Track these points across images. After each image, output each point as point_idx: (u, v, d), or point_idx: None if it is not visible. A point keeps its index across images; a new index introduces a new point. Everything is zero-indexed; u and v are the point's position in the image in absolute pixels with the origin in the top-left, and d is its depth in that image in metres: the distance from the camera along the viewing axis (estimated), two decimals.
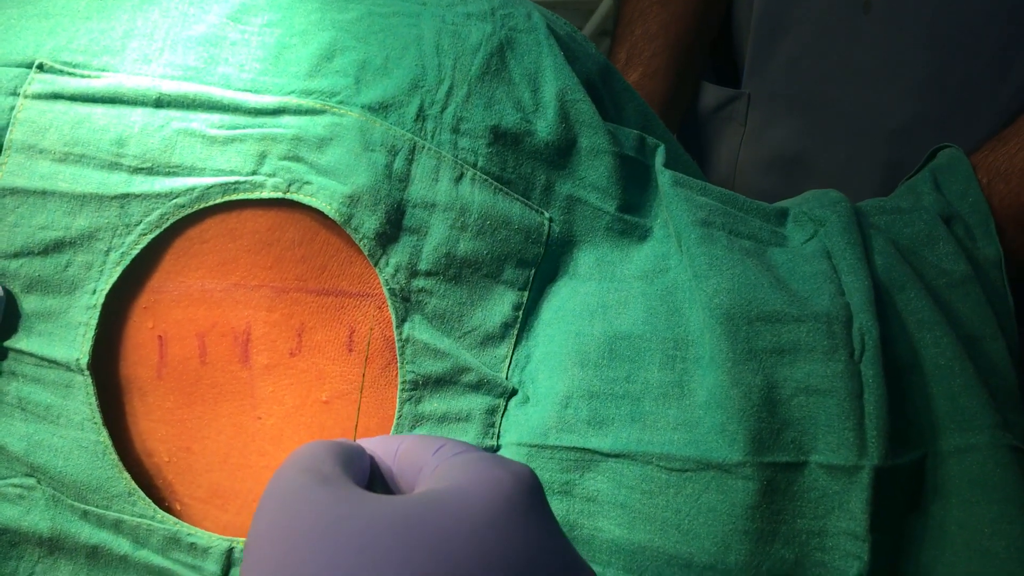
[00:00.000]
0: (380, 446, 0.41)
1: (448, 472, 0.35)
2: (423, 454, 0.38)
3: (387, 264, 0.50)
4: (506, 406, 0.52)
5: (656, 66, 0.90)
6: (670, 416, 0.50)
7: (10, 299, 0.48)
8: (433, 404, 0.51)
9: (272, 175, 0.49)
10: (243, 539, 0.48)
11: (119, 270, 0.48)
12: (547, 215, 0.55)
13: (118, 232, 0.48)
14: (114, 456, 0.48)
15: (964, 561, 0.50)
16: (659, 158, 0.61)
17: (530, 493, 0.34)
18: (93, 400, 0.48)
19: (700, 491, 0.49)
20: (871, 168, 0.84)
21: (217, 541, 0.48)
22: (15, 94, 0.49)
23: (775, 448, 0.49)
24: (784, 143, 0.90)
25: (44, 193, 0.48)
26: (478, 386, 0.51)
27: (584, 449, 0.50)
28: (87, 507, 0.49)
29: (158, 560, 0.49)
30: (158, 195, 0.48)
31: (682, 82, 0.93)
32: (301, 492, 0.33)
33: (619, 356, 0.52)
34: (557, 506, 0.50)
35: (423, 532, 0.31)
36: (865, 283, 0.53)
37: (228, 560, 0.48)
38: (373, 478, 0.41)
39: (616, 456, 0.50)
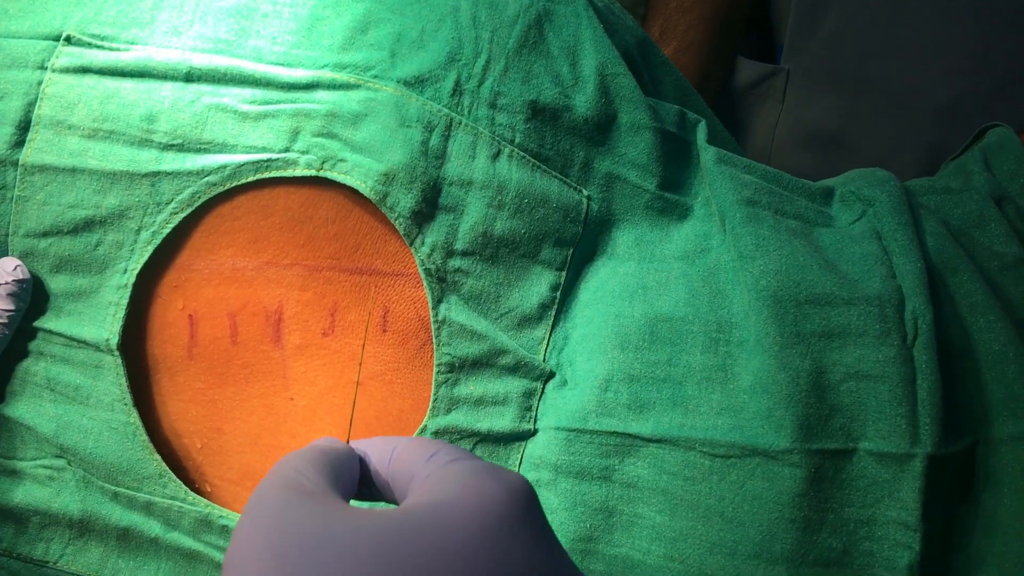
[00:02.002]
0: (374, 449, 0.39)
1: (439, 483, 0.34)
2: (416, 460, 0.37)
3: (423, 243, 0.49)
4: (543, 389, 0.51)
5: (691, 39, 0.89)
6: (713, 401, 0.49)
7: (36, 281, 0.48)
8: (469, 387, 0.50)
9: (305, 152, 0.48)
10: None
11: (150, 249, 0.47)
12: (586, 193, 0.54)
13: (149, 211, 0.47)
14: (144, 437, 0.48)
15: (1016, 551, 0.49)
16: (701, 134, 0.59)
17: (524, 506, 0.33)
18: (123, 380, 0.47)
19: (745, 478, 0.48)
20: (914, 147, 0.83)
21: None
22: (43, 68, 0.48)
23: (823, 435, 0.48)
24: (824, 121, 0.89)
25: (74, 170, 0.47)
26: (515, 369, 0.50)
27: (624, 434, 0.49)
28: (117, 488, 0.48)
29: (189, 542, 0.49)
30: (189, 173, 0.47)
31: (718, 56, 0.91)
32: (282, 509, 0.32)
33: (660, 339, 0.51)
34: (596, 492, 0.49)
35: (409, 551, 0.29)
36: (918, 265, 0.52)
37: None
38: (365, 483, 0.39)
39: (657, 441, 0.49)
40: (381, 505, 0.42)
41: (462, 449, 0.37)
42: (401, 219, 0.48)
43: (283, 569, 0.29)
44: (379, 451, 0.39)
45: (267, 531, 0.31)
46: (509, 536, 0.31)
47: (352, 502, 0.37)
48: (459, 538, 0.30)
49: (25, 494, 0.49)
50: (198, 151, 0.48)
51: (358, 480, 0.39)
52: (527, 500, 0.33)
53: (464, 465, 0.35)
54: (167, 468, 0.48)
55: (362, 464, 0.39)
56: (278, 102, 0.48)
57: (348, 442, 0.40)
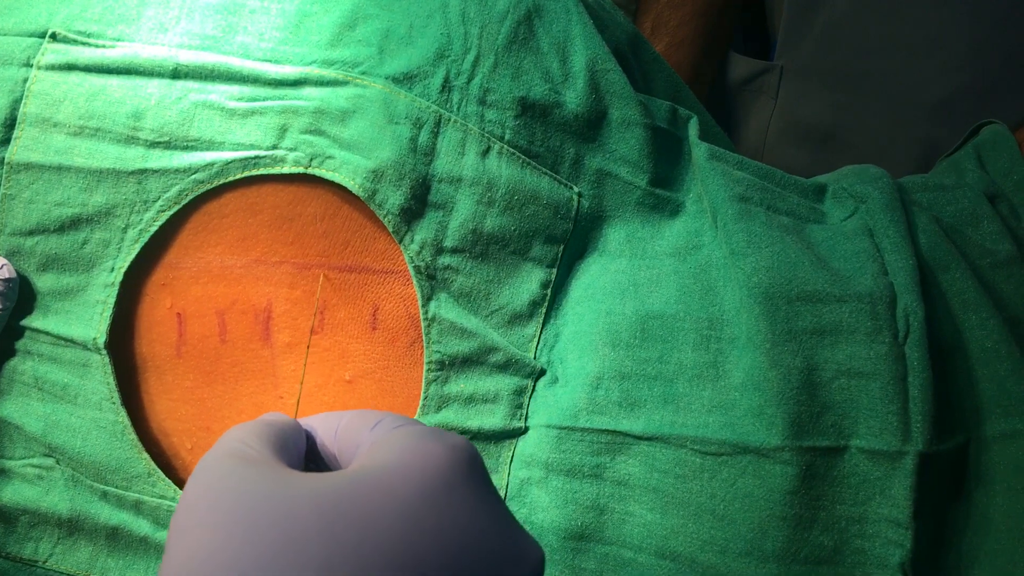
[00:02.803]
0: (320, 424, 0.40)
1: (383, 447, 0.34)
2: (361, 430, 0.37)
3: (412, 241, 0.49)
4: (534, 387, 0.51)
5: (683, 35, 0.88)
6: (704, 398, 0.49)
7: (23, 280, 0.47)
8: (460, 385, 0.49)
9: (293, 149, 0.48)
10: None
11: (137, 247, 0.47)
12: (576, 190, 0.53)
13: (136, 208, 0.47)
14: (133, 436, 0.47)
15: (1008, 549, 0.49)
16: (692, 130, 0.59)
17: (467, 466, 0.33)
18: (111, 379, 0.47)
19: (736, 476, 0.48)
20: (908, 144, 0.83)
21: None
22: (28, 65, 0.47)
23: (815, 432, 0.48)
24: (817, 117, 0.88)
25: (60, 168, 0.47)
26: (506, 366, 0.50)
27: (615, 432, 0.49)
28: (106, 488, 0.48)
29: None
30: (176, 170, 0.47)
31: (710, 52, 0.91)
32: (224, 476, 0.32)
33: (651, 336, 0.51)
34: (587, 490, 0.49)
35: (351, 510, 0.29)
36: (909, 262, 0.52)
37: None
38: (312, 458, 0.39)
39: (648, 439, 0.49)
40: None
41: (406, 417, 0.37)
42: (390, 216, 0.48)
43: (228, 532, 0.29)
44: (325, 425, 0.39)
45: (211, 496, 0.31)
46: (453, 496, 0.31)
47: None
48: (403, 498, 0.30)
49: (14, 493, 0.49)
50: (185, 148, 0.47)
51: (304, 452, 0.39)
52: (471, 461, 0.33)
53: (408, 430, 0.35)
54: (156, 467, 0.48)
55: (309, 439, 0.39)
56: (266, 99, 0.48)
57: (295, 418, 0.40)
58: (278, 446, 0.36)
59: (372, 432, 0.36)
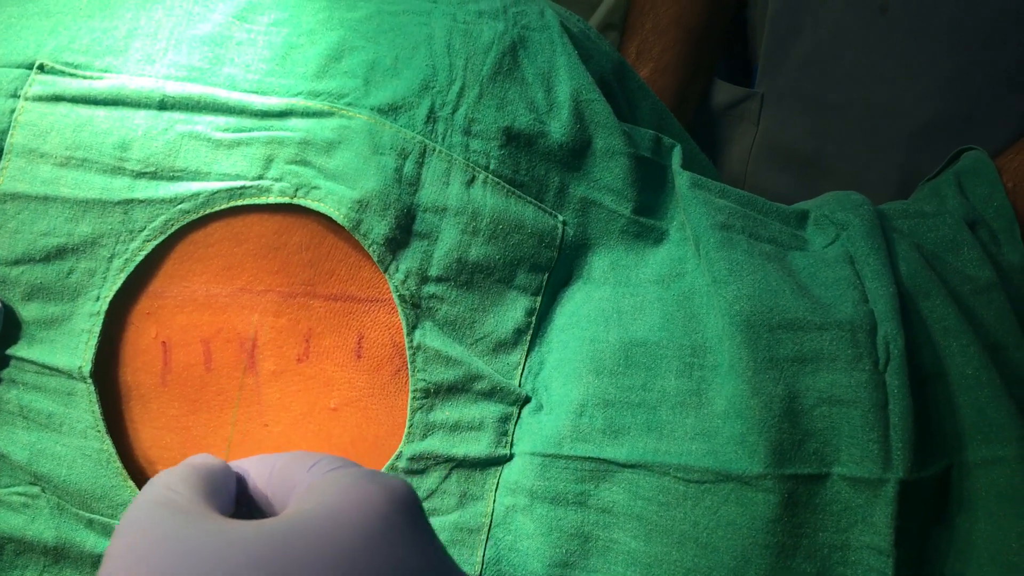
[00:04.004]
0: (254, 466, 0.39)
1: (319, 491, 0.33)
2: (297, 472, 0.36)
3: (397, 270, 0.49)
4: (519, 414, 0.51)
5: (667, 61, 0.89)
6: (688, 425, 0.49)
7: (8, 309, 0.47)
8: (445, 412, 0.50)
9: (279, 179, 0.48)
10: None
11: (123, 276, 0.47)
12: (561, 218, 0.54)
13: (122, 238, 0.47)
14: (118, 464, 0.47)
15: (990, 575, 0.49)
16: (676, 159, 0.59)
17: (405, 510, 0.32)
18: (96, 408, 0.47)
19: (719, 503, 0.48)
20: (888, 170, 0.83)
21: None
22: (15, 96, 0.48)
23: (796, 460, 0.48)
24: (798, 144, 0.89)
25: (46, 199, 0.47)
26: (491, 394, 0.50)
27: (599, 459, 0.49)
28: (92, 515, 0.48)
29: None
30: (162, 200, 0.47)
31: (694, 77, 0.91)
32: (153, 526, 0.31)
33: (635, 363, 0.51)
34: (572, 517, 0.49)
35: (286, 558, 0.29)
36: (890, 290, 0.52)
37: None
38: (244, 502, 0.39)
39: (632, 466, 0.49)
40: None
41: (344, 459, 0.37)
42: (375, 246, 0.48)
43: None
44: (259, 467, 0.38)
45: (140, 549, 0.30)
46: (390, 540, 0.31)
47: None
48: (339, 543, 0.30)
49: None
50: (171, 179, 0.48)
51: (234, 496, 0.38)
52: (408, 504, 0.33)
53: (345, 472, 0.34)
54: None
55: (241, 482, 0.39)
56: (252, 130, 0.48)
57: (228, 461, 0.39)
58: (208, 491, 0.35)
59: (308, 474, 0.36)
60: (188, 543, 0.30)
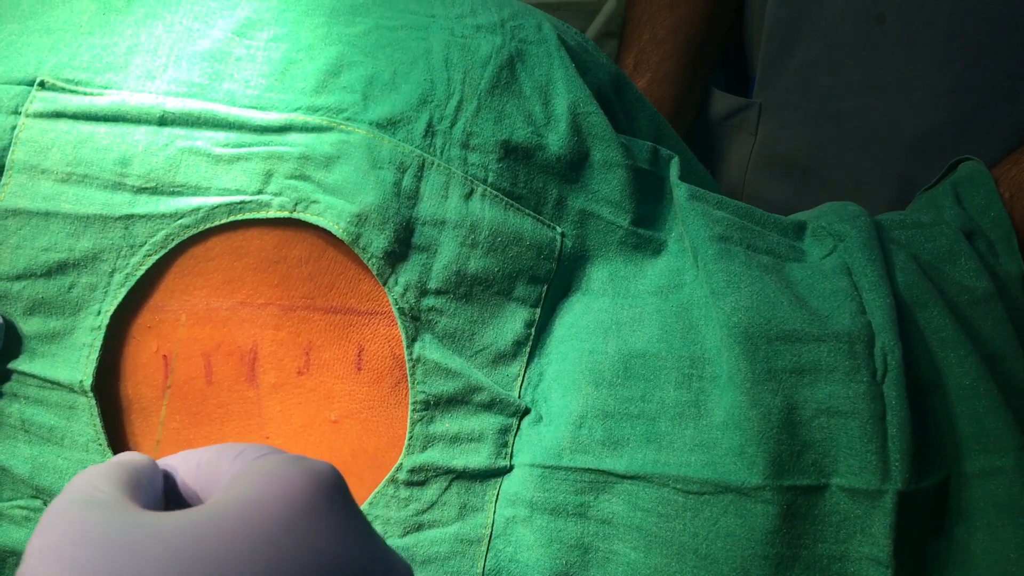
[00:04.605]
0: (180, 462, 0.38)
1: (243, 479, 0.33)
2: (222, 463, 0.36)
3: (396, 283, 0.49)
4: (519, 426, 0.51)
5: (665, 71, 0.89)
6: (686, 437, 0.49)
7: (9, 324, 0.48)
8: (445, 424, 0.50)
9: (278, 194, 0.48)
10: None
11: (124, 291, 0.47)
12: (559, 230, 0.54)
13: (122, 253, 0.47)
14: None
15: None
16: (674, 170, 0.60)
17: (330, 493, 0.32)
18: (97, 422, 0.47)
19: (718, 515, 0.48)
20: (885, 180, 0.83)
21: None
22: (16, 113, 0.48)
23: (795, 471, 0.48)
24: (796, 154, 0.89)
25: (47, 215, 0.47)
26: (490, 405, 0.50)
27: (598, 471, 0.49)
28: None
29: None
30: (163, 216, 0.48)
31: (692, 87, 0.91)
32: (72, 522, 0.30)
33: (634, 375, 0.51)
34: (572, 528, 0.49)
35: (208, 546, 0.28)
36: (887, 301, 0.52)
37: None
38: (174, 499, 0.38)
39: (631, 478, 0.49)
40: None
41: (271, 447, 0.36)
42: (374, 259, 0.49)
43: (72, 574, 0.28)
44: (185, 463, 0.38)
45: (57, 544, 0.29)
46: (315, 523, 0.31)
47: None
48: (258, 529, 0.30)
49: (1, 535, 0.49)
50: (172, 194, 0.48)
51: (161, 493, 0.37)
52: (333, 486, 0.33)
53: (269, 459, 0.34)
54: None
55: (170, 479, 0.38)
56: (251, 145, 0.49)
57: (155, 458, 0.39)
58: (131, 487, 0.34)
59: (233, 464, 0.35)
60: (104, 536, 0.29)
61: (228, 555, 0.29)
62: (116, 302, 0.47)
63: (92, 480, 0.33)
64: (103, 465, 0.35)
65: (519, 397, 0.52)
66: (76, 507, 0.31)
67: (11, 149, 0.48)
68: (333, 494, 0.32)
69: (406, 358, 0.49)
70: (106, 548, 0.28)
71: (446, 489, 0.49)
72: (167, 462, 0.39)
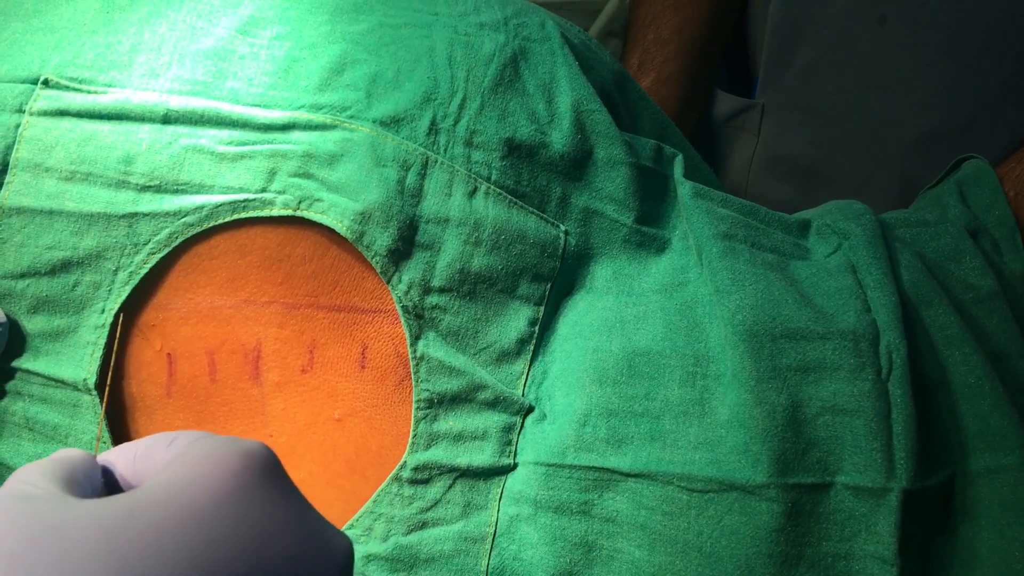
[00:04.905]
0: (118, 456, 0.38)
1: (176, 463, 0.33)
2: (157, 451, 0.36)
3: (400, 281, 0.49)
4: (523, 423, 0.51)
5: (669, 71, 0.89)
6: (691, 435, 0.49)
7: (13, 323, 0.48)
8: (449, 422, 0.50)
9: (282, 192, 0.48)
10: None
11: (128, 289, 0.47)
12: (563, 228, 0.54)
13: (126, 251, 0.47)
14: None
15: None
16: (678, 168, 0.60)
17: (262, 470, 0.32)
18: (101, 420, 0.47)
19: (722, 513, 0.48)
20: (887, 180, 0.83)
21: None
22: (21, 111, 0.48)
23: (800, 469, 0.48)
24: (798, 154, 0.89)
25: (51, 213, 0.47)
26: (494, 403, 0.50)
27: (603, 468, 0.49)
28: None
29: None
30: (166, 214, 0.48)
31: (696, 87, 0.91)
32: (3, 517, 0.30)
33: (638, 373, 0.51)
34: (576, 526, 0.49)
35: (140, 528, 0.28)
36: (892, 299, 0.52)
37: None
38: (112, 492, 0.38)
39: (636, 476, 0.49)
40: None
41: (206, 432, 0.36)
42: (378, 257, 0.49)
43: (8, 571, 0.28)
44: (122, 456, 0.38)
45: None
46: (247, 501, 0.31)
47: None
48: (193, 509, 0.30)
49: None
50: (175, 192, 0.48)
51: (100, 486, 0.37)
52: (265, 463, 0.33)
53: (202, 443, 0.34)
54: None
55: (108, 474, 0.38)
56: (255, 143, 0.49)
57: (95, 453, 0.38)
58: (67, 481, 0.34)
59: (167, 451, 0.35)
60: (35, 523, 0.29)
61: (161, 534, 0.29)
62: (120, 300, 0.48)
63: (26, 476, 0.33)
64: (39, 462, 0.35)
65: (523, 395, 0.52)
66: (8, 502, 0.31)
67: (15, 147, 0.48)
68: (266, 471, 0.32)
69: (410, 356, 0.49)
70: (37, 534, 0.28)
71: (450, 487, 0.49)
72: (105, 457, 0.38)
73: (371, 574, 0.48)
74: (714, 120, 0.95)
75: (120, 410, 0.49)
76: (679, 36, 0.89)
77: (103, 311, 0.48)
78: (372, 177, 0.49)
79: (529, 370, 0.52)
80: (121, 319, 0.48)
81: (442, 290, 0.50)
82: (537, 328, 0.53)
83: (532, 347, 0.52)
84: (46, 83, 0.48)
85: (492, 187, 0.52)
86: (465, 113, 0.52)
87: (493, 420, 0.50)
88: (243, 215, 0.48)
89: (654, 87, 0.89)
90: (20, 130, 0.48)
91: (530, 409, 0.51)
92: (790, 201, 0.88)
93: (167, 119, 0.49)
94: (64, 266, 0.47)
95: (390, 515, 0.49)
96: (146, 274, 0.48)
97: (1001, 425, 0.51)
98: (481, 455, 0.50)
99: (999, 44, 0.76)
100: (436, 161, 0.51)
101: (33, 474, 0.34)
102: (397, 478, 0.49)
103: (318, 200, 0.48)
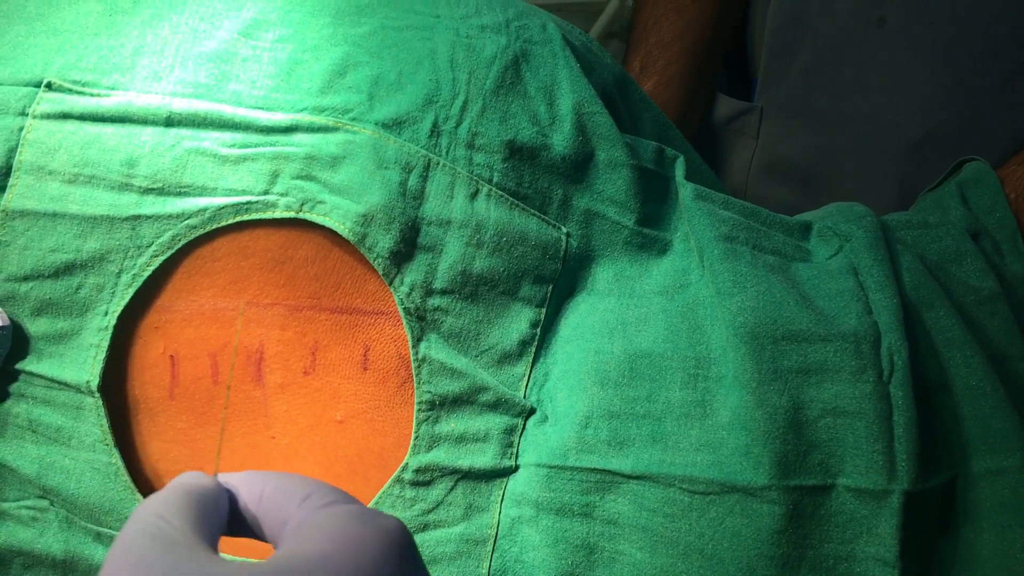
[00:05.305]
0: (244, 486, 0.38)
1: (311, 530, 0.33)
2: (288, 504, 0.36)
3: (402, 283, 0.49)
4: (524, 425, 0.51)
5: (671, 74, 0.89)
6: (692, 437, 0.49)
7: (16, 325, 0.48)
8: (450, 424, 0.50)
9: (284, 194, 0.48)
10: (254, 558, 0.47)
11: (131, 291, 0.48)
12: (564, 230, 0.54)
13: (129, 254, 0.48)
14: (126, 477, 0.48)
15: None
16: (679, 170, 0.60)
17: (400, 553, 0.32)
18: (104, 422, 0.47)
19: (724, 515, 0.48)
20: (886, 182, 0.83)
21: (229, 560, 0.47)
22: (24, 114, 0.48)
23: (801, 471, 0.48)
24: (797, 157, 0.89)
25: (54, 215, 0.47)
26: (496, 405, 0.50)
27: (604, 471, 0.49)
28: (100, 528, 0.48)
29: None
30: (169, 216, 0.48)
31: (697, 90, 0.92)
32: (141, 562, 0.30)
33: (640, 375, 0.51)
34: (577, 528, 0.49)
35: None
36: (893, 301, 0.52)
37: None
38: (233, 520, 0.38)
39: (637, 478, 0.49)
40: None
41: (337, 490, 0.36)
42: (380, 259, 0.49)
43: None
44: (249, 487, 0.38)
45: None
46: None
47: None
48: None
49: (8, 535, 0.49)
50: (178, 195, 0.48)
51: (226, 517, 0.37)
52: (403, 546, 0.33)
53: (338, 510, 0.34)
54: None
55: (232, 500, 0.38)
56: (257, 145, 0.49)
57: (216, 475, 0.38)
58: (199, 517, 0.34)
59: (300, 509, 0.35)
60: None
61: None
62: (123, 303, 0.48)
63: (161, 511, 0.33)
64: (172, 493, 0.35)
65: (524, 397, 0.52)
66: (146, 543, 0.31)
67: (18, 150, 0.48)
68: (403, 555, 0.32)
69: (412, 358, 0.49)
70: None
71: (452, 489, 0.49)
72: (229, 481, 0.38)
73: None
74: (713, 123, 0.95)
75: (123, 412, 0.49)
76: (681, 39, 0.89)
77: (106, 313, 0.48)
78: (374, 179, 0.49)
79: (531, 372, 0.52)
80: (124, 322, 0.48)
81: (444, 292, 0.50)
82: (539, 330, 0.53)
83: (534, 349, 0.53)
84: (49, 86, 0.48)
85: (494, 189, 0.52)
86: (467, 115, 0.52)
87: (495, 422, 0.50)
88: (246, 217, 0.48)
89: (656, 90, 0.89)
90: (23, 133, 0.48)
91: (532, 411, 0.51)
92: (789, 204, 0.88)
93: (170, 122, 0.49)
94: (67, 269, 0.47)
95: None
96: (149, 276, 0.48)
97: (1002, 427, 0.51)
98: (483, 457, 0.50)
99: (998, 46, 0.76)
100: (438, 163, 0.51)
101: (168, 509, 0.33)
102: (399, 480, 0.49)
103: (320, 202, 0.48)
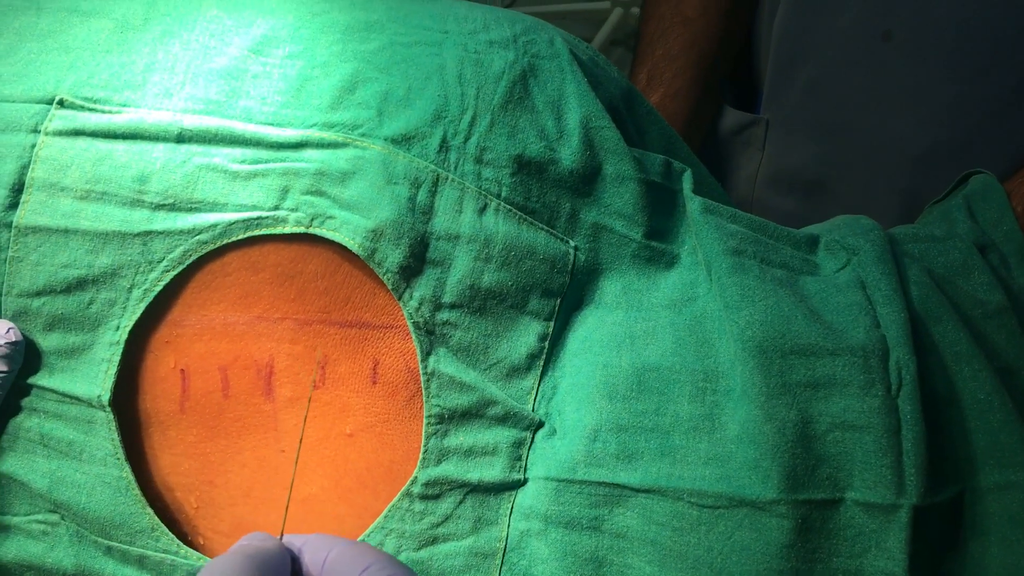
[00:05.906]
0: (308, 550, 0.39)
1: None
2: (349, 573, 0.37)
3: (411, 297, 0.50)
4: (533, 439, 0.51)
5: (678, 86, 0.89)
6: (701, 450, 0.50)
7: (28, 340, 0.48)
8: (459, 438, 0.50)
9: (295, 210, 0.49)
10: None
11: (142, 306, 0.48)
12: (572, 244, 0.54)
13: (141, 269, 0.48)
14: (137, 491, 0.48)
15: None
16: (687, 183, 0.60)
17: None
18: (115, 436, 0.48)
19: (733, 529, 0.48)
20: (891, 195, 0.83)
21: None
22: (36, 131, 0.48)
23: (810, 485, 0.48)
24: (803, 169, 0.89)
25: (66, 231, 0.48)
26: (504, 419, 0.51)
27: (613, 484, 0.49)
28: (111, 543, 0.48)
29: None
30: (180, 232, 0.48)
31: (704, 102, 0.92)
32: None
33: (648, 388, 0.51)
34: (586, 542, 0.49)
35: None
36: (901, 315, 0.52)
37: None
38: None
39: (646, 491, 0.49)
40: None
41: (396, 562, 0.37)
42: (389, 274, 0.49)
43: None
44: (314, 550, 0.39)
45: None
46: None
47: None
48: None
49: (19, 549, 0.49)
50: (189, 210, 0.48)
51: None
52: None
53: None
54: (159, 522, 0.48)
55: (295, 561, 0.39)
56: (268, 161, 0.49)
57: (281, 537, 0.39)
58: None
59: None
60: None
61: None
62: (135, 317, 0.48)
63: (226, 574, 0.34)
64: (238, 557, 0.36)
65: (533, 410, 0.52)
66: None
67: (31, 167, 0.48)
68: None
69: (421, 372, 0.50)
70: None
71: (461, 502, 0.50)
72: (293, 542, 0.39)
73: None
74: (719, 135, 0.95)
75: (134, 426, 0.49)
76: (688, 52, 0.89)
77: (118, 328, 0.48)
78: (383, 195, 0.49)
79: (539, 385, 0.52)
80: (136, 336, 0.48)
81: (453, 306, 0.50)
82: (547, 343, 0.53)
83: (542, 362, 0.53)
84: (61, 103, 0.49)
85: (502, 204, 0.52)
86: (475, 130, 0.53)
87: (503, 435, 0.51)
88: (256, 232, 0.48)
89: (662, 102, 0.89)
90: (36, 150, 0.48)
91: (540, 424, 0.51)
92: (795, 215, 0.88)
93: (181, 138, 0.49)
94: (79, 284, 0.48)
95: (401, 530, 0.49)
96: (160, 291, 0.48)
97: (1010, 441, 0.51)
98: (491, 470, 0.50)
99: (1004, 59, 0.76)
100: (447, 178, 0.51)
101: (231, 570, 0.34)
102: (408, 493, 0.49)
103: (330, 217, 0.49)
